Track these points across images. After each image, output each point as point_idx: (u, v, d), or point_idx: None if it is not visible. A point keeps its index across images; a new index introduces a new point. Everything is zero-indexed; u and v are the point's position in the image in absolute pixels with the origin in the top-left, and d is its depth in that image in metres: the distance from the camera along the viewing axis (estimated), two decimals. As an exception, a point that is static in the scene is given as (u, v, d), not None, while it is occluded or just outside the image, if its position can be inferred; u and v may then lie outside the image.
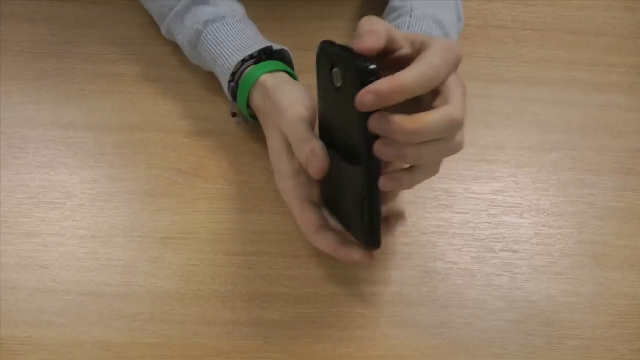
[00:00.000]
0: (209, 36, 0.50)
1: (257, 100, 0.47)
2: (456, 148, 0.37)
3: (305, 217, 0.42)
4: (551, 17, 0.61)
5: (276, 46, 0.50)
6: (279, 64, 0.49)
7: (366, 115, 0.34)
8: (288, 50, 0.51)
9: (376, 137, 0.34)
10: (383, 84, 0.32)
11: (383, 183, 0.36)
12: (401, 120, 0.32)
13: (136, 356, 0.43)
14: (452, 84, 0.35)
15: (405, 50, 0.36)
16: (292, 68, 0.51)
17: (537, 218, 0.50)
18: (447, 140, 0.35)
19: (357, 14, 0.59)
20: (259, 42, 0.50)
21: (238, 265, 0.47)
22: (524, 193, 0.52)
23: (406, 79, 0.32)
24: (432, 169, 0.39)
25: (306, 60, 0.56)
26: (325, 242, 0.42)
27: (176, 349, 0.44)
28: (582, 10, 0.62)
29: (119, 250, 0.47)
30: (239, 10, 0.53)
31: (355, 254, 0.41)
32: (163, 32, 0.55)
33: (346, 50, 0.35)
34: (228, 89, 0.50)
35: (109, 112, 0.54)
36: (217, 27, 0.50)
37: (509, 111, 0.55)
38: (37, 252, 0.47)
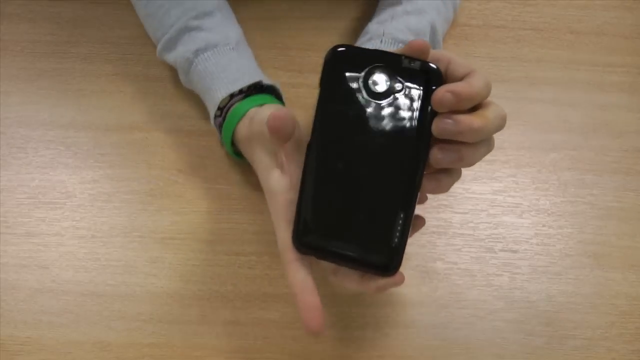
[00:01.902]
0: (199, 66, 0.48)
1: (242, 131, 0.45)
2: (492, 147, 0.36)
3: None
4: (551, 17, 0.61)
5: (267, 81, 0.48)
6: (269, 98, 0.47)
7: (427, 118, 0.33)
8: (278, 87, 0.49)
9: (428, 145, 0.33)
10: (461, 87, 0.31)
11: (425, 184, 0.34)
12: (468, 118, 0.32)
13: (136, 356, 0.43)
14: (457, 56, 0.36)
15: None
16: (283, 103, 0.49)
17: (537, 218, 0.50)
18: (490, 140, 0.35)
19: (357, 14, 0.59)
20: (250, 75, 0.48)
21: (238, 265, 0.47)
22: (524, 193, 0.52)
23: (479, 86, 0.32)
24: (460, 172, 0.37)
25: (305, 60, 0.56)
26: (349, 278, 0.37)
27: (176, 349, 0.44)
28: (582, 10, 0.62)
29: (119, 250, 0.47)
30: (234, 35, 0.50)
31: (388, 281, 0.35)
32: (157, 55, 0.52)
33: (378, 52, 0.34)
34: (215, 124, 0.48)
35: (109, 112, 0.54)
36: (207, 56, 0.48)
37: (509, 111, 0.55)
38: (37, 252, 0.47)
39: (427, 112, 0.33)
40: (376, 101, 0.33)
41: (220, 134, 0.48)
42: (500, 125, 0.34)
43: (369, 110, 0.34)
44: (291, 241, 0.35)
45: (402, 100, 0.33)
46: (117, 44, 0.57)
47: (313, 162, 0.34)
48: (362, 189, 0.34)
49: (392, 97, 0.33)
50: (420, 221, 0.40)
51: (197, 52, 0.48)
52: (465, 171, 0.53)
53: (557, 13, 0.62)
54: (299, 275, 0.35)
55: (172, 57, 0.50)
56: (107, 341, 0.44)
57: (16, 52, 0.57)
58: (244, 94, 0.47)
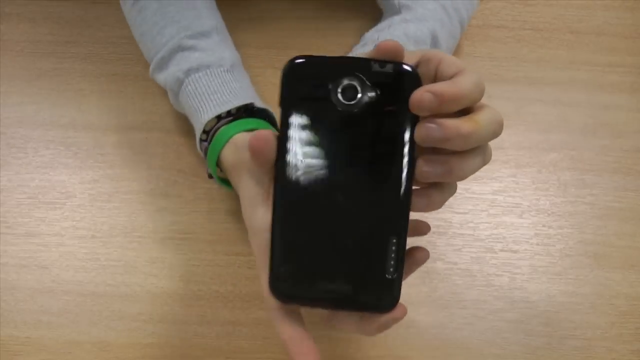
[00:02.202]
0: (189, 87, 0.45)
1: (227, 157, 0.41)
2: (488, 158, 0.32)
3: None
4: (551, 17, 0.61)
5: (260, 105, 0.45)
6: (261, 123, 0.43)
7: (409, 127, 0.29)
8: (271, 111, 0.46)
9: (413, 157, 0.29)
10: (444, 87, 0.28)
11: (414, 202, 0.30)
12: (455, 122, 0.28)
13: (136, 357, 0.43)
14: (447, 55, 0.32)
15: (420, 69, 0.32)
16: (276, 128, 0.45)
17: (537, 218, 0.50)
18: (484, 149, 0.31)
19: (357, 15, 0.59)
20: (242, 98, 0.44)
21: (238, 265, 0.47)
22: (524, 193, 0.52)
23: (466, 85, 0.28)
24: (454, 186, 0.33)
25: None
26: (346, 322, 0.32)
27: (176, 349, 0.44)
28: (582, 10, 0.62)
29: (119, 250, 0.47)
30: (229, 57, 0.47)
31: (388, 318, 0.31)
32: (150, 75, 0.49)
33: (344, 59, 0.30)
34: (200, 149, 0.45)
35: (109, 112, 0.54)
36: (199, 77, 0.45)
37: (509, 111, 0.55)
38: (37, 252, 0.47)
39: (408, 120, 0.29)
40: (348, 115, 0.29)
41: (205, 159, 0.44)
42: (495, 132, 0.30)
43: (341, 126, 0.29)
44: (269, 291, 0.30)
45: (378, 111, 0.29)
46: (117, 44, 0.57)
47: (282, 194, 0.30)
48: (343, 218, 0.30)
49: (365, 108, 0.29)
50: (425, 227, 0.36)
51: (188, 72, 0.45)
52: (465, 171, 0.53)
53: (557, 13, 0.62)
54: (286, 324, 0.31)
55: (162, 77, 0.47)
56: (107, 341, 0.44)
57: (16, 52, 0.57)
58: (232, 117, 0.43)
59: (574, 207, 0.51)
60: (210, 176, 0.46)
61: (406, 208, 0.30)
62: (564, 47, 0.60)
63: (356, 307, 0.30)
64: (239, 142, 0.40)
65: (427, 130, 0.28)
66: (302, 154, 0.29)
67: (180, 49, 0.46)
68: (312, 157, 0.29)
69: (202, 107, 0.44)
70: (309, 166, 0.30)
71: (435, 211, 0.50)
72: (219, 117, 0.43)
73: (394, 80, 0.29)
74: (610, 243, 0.50)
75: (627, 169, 0.53)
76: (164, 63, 0.47)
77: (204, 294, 0.46)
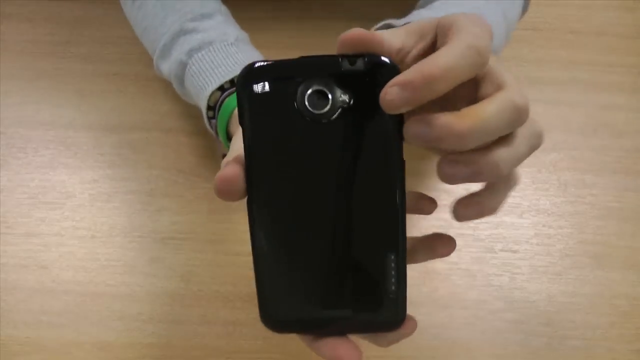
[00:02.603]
0: (193, 67, 0.42)
1: (234, 132, 0.39)
2: (537, 143, 0.26)
3: None
4: (551, 17, 0.61)
5: None
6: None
7: (393, 126, 0.25)
8: None
9: (402, 161, 0.26)
10: (411, 73, 0.23)
11: (460, 213, 0.27)
12: (448, 120, 0.23)
13: (136, 356, 0.43)
14: (497, 66, 0.25)
15: (415, 49, 0.27)
16: None
17: (537, 218, 0.50)
18: (520, 135, 0.25)
19: (358, 14, 0.59)
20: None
21: (238, 265, 0.47)
22: (524, 193, 0.52)
23: (442, 61, 0.23)
24: (513, 178, 0.27)
25: (306, 60, 0.56)
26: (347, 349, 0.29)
27: (176, 349, 0.44)
28: (582, 10, 0.62)
29: (118, 250, 0.47)
30: (233, 33, 0.44)
31: (397, 334, 0.29)
32: (155, 68, 0.47)
33: (308, 59, 0.26)
34: (210, 127, 0.43)
35: (108, 112, 0.54)
36: (202, 55, 0.42)
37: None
38: (37, 252, 0.47)
39: (390, 122, 0.25)
40: (320, 126, 0.25)
41: (218, 137, 0.42)
42: (512, 119, 0.24)
43: (315, 140, 0.26)
44: (261, 322, 0.28)
45: (354, 116, 0.25)
46: (117, 44, 0.57)
47: (261, 219, 0.27)
48: (333, 239, 0.27)
49: (339, 115, 0.25)
50: (429, 205, 0.31)
51: (190, 53, 0.43)
52: (465, 171, 0.53)
53: (557, 13, 0.62)
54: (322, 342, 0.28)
55: (167, 67, 0.45)
56: (107, 341, 0.44)
57: (16, 52, 0.57)
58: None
59: (574, 207, 0.51)
60: (224, 156, 0.45)
61: (401, 220, 0.27)
62: (564, 47, 0.60)
63: (360, 329, 0.29)
64: None
65: (414, 130, 0.24)
66: (276, 176, 0.26)
67: (182, 32, 0.44)
68: (288, 178, 0.26)
69: (206, 82, 0.42)
70: (286, 189, 0.26)
71: (436, 211, 0.50)
72: (222, 90, 0.41)
73: (369, 78, 0.25)
74: (610, 243, 0.50)
75: (627, 169, 0.53)
76: (166, 50, 0.44)
77: (204, 294, 0.46)
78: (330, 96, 0.25)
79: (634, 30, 0.61)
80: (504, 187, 0.27)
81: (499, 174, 0.25)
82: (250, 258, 0.48)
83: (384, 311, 0.28)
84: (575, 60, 0.59)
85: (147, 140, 0.53)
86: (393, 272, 0.27)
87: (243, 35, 0.46)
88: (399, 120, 0.25)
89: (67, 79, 0.56)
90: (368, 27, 0.54)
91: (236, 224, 0.49)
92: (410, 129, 0.24)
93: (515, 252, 0.49)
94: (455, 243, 0.29)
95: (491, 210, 0.27)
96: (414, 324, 0.28)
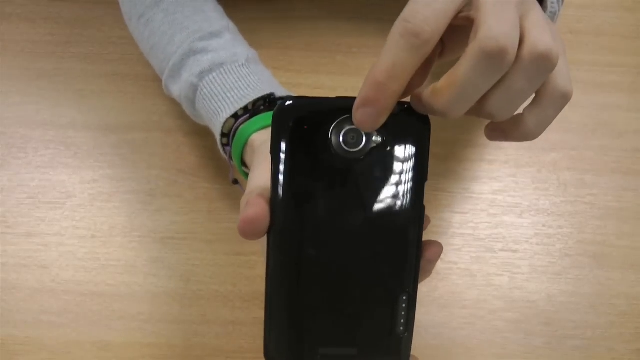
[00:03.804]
0: (205, 90, 0.42)
1: (248, 162, 0.39)
2: (541, 72, 0.24)
3: None
4: (551, 17, 0.61)
5: (282, 93, 0.41)
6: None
7: (417, 165, 0.26)
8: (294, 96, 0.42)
9: (422, 206, 0.27)
10: (364, 89, 0.23)
11: (489, 135, 0.27)
12: (428, 98, 0.24)
13: (136, 356, 0.43)
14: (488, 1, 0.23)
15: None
16: None
17: (537, 218, 0.50)
18: (519, 78, 0.24)
19: (358, 14, 0.59)
20: (260, 90, 0.41)
21: (238, 265, 0.47)
22: (524, 193, 0.52)
23: (383, 64, 0.23)
24: (557, 95, 0.26)
25: (305, 60, 0.56)
26: None
27: (176, 349, 0.44)
28: (582, 10, 0.62)
29: (119, 250, 0.47)
30: (244, 53, 0.43)
31: None
32: (164, 89, 0.47)
33: (344, 100, 0.26)
34: (223, 151, 0.42)
35: (108, 112, 0.54)
36: (213, 77, 0.41)
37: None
38: (37, 252, 0.47)
39: (414, 162, 0.26)
40: (350, 164, 0.26)
41: (232, 162, 0.41)
42: (489, 71, 0.23)
43: (342, 176, 0.26)
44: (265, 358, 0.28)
45: (383, 155, 0.26)
46: (117, 44, 0.57)
47: (279, 253, 0.27)
48: (346, 277, 0.27)
49: (368, 154, 0.26)
50: (426, 221, 0.31)
51: (201, 75, 0.42)
52: (465, 171, 0.53)
53: (557, 13, 0.62)
54: None
55: (177, 89, 0.44)
56: (107, 341, 0.44)
57: (16, 52, 0.57)
58: (249, 114, 0.40)
59: (574, 207, 0.51)
60: (235, 182, 0.44)
61: (417, 261, 0.27)
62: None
63: None
64: (256, 144, 0.37)
65: (418, 108, 0.25)
66: (300, 211, 0.27)
67: (192, 52, 0.43)
68: (310, 214, 0.27)
69: (219, 107, 0.41)
70: (307, 224, 0.27)
71: (436, 211, 0.51)
72: (236, 117, 0.40)
73: (398, 121, 0.25)
74: (610, 243, 0.50)
75: (627, 169, 0.53)
76: (176, 71, 0.44)
77: (204, 294, 0.46)
78: (364, 135, 0.26)
79: (634, 30, 0.61)
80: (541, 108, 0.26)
81: (503, 118, 0.25)
82: (250, 258, 0.49)
83: (389, 352, 0.28)
84: (575, 60, 0.59)
85: (147, 140, 0.53)
86: (403, 314, 0.27)
87: (252, 53, 0.45)
88: (425, 161, 0.26)
89: (67, 79, 0.56)
90: (368, 27, 0.54)
91: (236, 224, 0.48)
92: (414, 105, 0.25)
93: (515, 252, 0.49)
94: (441, 247, 0.29)
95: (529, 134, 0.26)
96: None
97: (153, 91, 0.55)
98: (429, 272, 0.29)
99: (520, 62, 0.23)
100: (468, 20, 0.24)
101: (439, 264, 0.48)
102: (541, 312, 0.46)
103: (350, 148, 0.26)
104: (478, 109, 0.25)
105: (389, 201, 0.26)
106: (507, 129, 0.27)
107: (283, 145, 0.26)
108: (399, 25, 0.23)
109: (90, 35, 0.58)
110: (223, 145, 0.42)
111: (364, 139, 0.26)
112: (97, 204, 0.49)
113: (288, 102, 0.26)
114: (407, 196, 0.27)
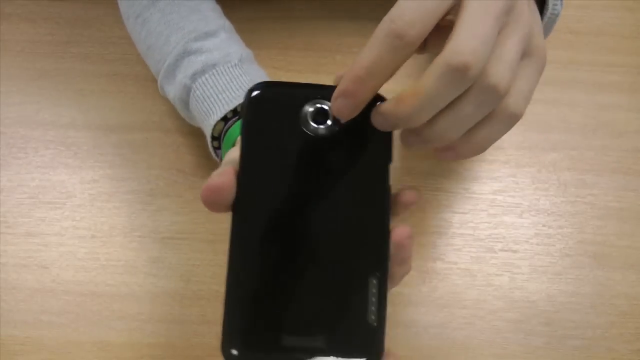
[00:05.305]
0: (197, 91, 0.42)
1: None
2: (489, 98, 0.24)
3: None
4: (551, 17, 0.61)
5: None
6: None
7: (383, 146, 0.27)
8: None
9: (387, 181, 0.27)
10: (345, 81, 0.24)
11: (438, 155, 0.27)
12: (391, 107, 0.25)
13: (136, 356, 0.43)
14: (471, 6, 0.23)
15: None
16: None
17: (537, 218, 0.50)
18: (470, 95, 0.24)
19: (358, 14, 0.59)
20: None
21: (238, 265, 0.47)
22: (524, 193, 0.52)
23: (364, 60, 0.24)
24: (503, 120, 0.27)
25: (305, 60, 0.56)
26: None
27: (176, 349, 0.44)
28: (582, 10, 0.62)
29: (119, 250, 0.47)
30: (237, 53, 0.43)
31: None
32: (160, 90, 0.47)
33: (312, 85, 0.27)
34: (215, 154, 0.43)
35: (109, 112, 0.54)
36: (205, 79, 0.41)
37: (509, 111, 0.55)
38: (37, 252, 0.47)
39: (380, 143, 0.27)
40: (317, 141, 0.27)
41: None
42: (453, 84, 0.23)
43: (309, 154, 0.27)
44: (221, 352, 0.25)
45: (349, 136, 0.27)
46: (117, 44, 0.57)
47: (241, 237, 0.27)
48: (313, 259, 0.26)
49: (336, 133, 0.27)
50: (410, 196, 0.28)
51: (194, 77, 0.42)
52: (465, 171, 0.53)
53: (557, 13, 0.62)
54: None
55: (172, 90, 0.44)
56: (107, 341, 0.44)
57: (16, 52, 0.57)
58: (238, 115, 0.40)
59: (574, 207, 0.51)
60: None
61: (384, 242, 0.26)
62: (564, 47, 0.60)
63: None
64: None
65: (375, 121, 0.26)
66: (266, 186, 0.26)
67: (187, 53, 0.43)
68: (276, 192, 0.26)
69: (210, 110, 0.41)
70: (273, 202, 0.26)
71: (436, 211, 0.51)
72: (226, 120, 0.40)
73: (368, 105, 0.26)
74: (610, 243, 0.50)
75: (627, 169, 0.53)
76: (170, 72, 0.44)
77: (204, 293, 0.46)
78: (330, 114, 0.26)
79: (634, 30, 0.61)
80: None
81: (448, 140, 0.26)
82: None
83: (361, 342, 0.25)
84: (575, 60, 0.59)
85: (147, 140, 0.53)
86: (374, 299, 0.26)
87: (247, 53, 0.45)
88: (389, 141, 0.27)
89: (67, 79, 0.56)
90: (368, 27, 0.54)
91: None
92: (373, 120, 0.25)
93: (515, 252, 0.49)
94: (409, 230, 0.27)
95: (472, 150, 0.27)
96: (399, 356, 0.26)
97: (153, 91, 0.55)
98: (406, 264, 0.27)
99: (471, 88, 0.24)
100: (451, 23, 0.24)
101: (439, 264, 0.48)
102: (541, 312, 0.46)
103: (318, 126, 0.27)
104: (427, 132, 0.25)
105: (354, 180, 0.27)
106: (458, 145, 0.27)
107: (253, 123, 0.27)
108: (384, 24, 0.23)
109: (90, 35, 0.58)
110: (214, 148, 0.42)
111: (330, 117, 0.27)
112: (97, 204, 0.49)
113: (260, 84, 0.27)
114: (372, 176, 0.27)
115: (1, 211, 0.49)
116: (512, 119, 0.27)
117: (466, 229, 0.50)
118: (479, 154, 0.27)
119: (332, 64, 0.56)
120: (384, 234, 0.26)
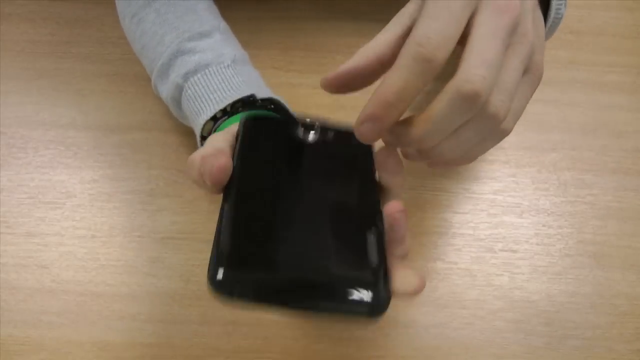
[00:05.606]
0: (189, 91, 0.42)
1: None
2: (465, 105, 0.25)
3: None
4: (551, 17, 0.61)
5: (264, 95, 0.41)
6: (261, 113, 0.40)
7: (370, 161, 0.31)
8: (276, 98, 0.42)
9: (373, 173, 0.30)
10: (372, 105, 0.25)
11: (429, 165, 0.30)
12: (404, 130, 0.26)
13: (136, 356, 0.43)
14: (480, 28, 0.24)
15: None
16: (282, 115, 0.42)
17: (537, 218, 0.50)
18: (480, 117, 0.25)
19: (358, 14, 0.59)
20: (243, 91, 0.41)
21: (238, 265, 0.47)
22: (524, 193, 0.52)
23: (394, 85, 0.24)
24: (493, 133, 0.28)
25: (305, 60, 0.56)
26: None
27: (176, 349, 0.44)
28: (582, 10, 0.62)
29: (118, 250, 0.47)
30: (230, 54, 0.43)
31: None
32: (153, 89, 0.47)
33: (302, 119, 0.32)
34: None
35: (109, 112, 0.54)
36: (197, 79, 0.42)
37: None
38: (37, 252, 0.47)
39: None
40: (308, 147, 0.31)
41: None
42: (462, 109, 0.24)
43: (301, 156, 0.31)
44: (208, 282, 0.23)
45: (334, 144, 0.31)
46: (117, 44, 0.57)
47: (238, 184, 0.28)
48: (309, 209, 0.27)
49: (324, 141, 0.31)
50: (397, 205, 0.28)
51: (186, 76, 0.42)
52: (465, 171, 0.53)
53: (557, 13, 0.62)
54: None
55: (165, 89, 0.44)
56: (106, 341, 0.44)
57: (16, 52, 0.57)
58: (228, 115, 0.40)
59: (574, 207, 0.51)
60: None
61: (378, 209, 0.28)
62: (564, 47, 0.60)
63: (332, 306, 0.23)
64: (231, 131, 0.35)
65: (387, 139, 0.28)
66: (258, 174, 0.29)
67: (180, 53, 0.43)
68: (269, 178, 0.29)
69: (200, 109, 0.41)
70: (266, 181, 0.28)
71: (436, 211, 0.51)
72: (215, 120, 0.40)
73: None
74: (610, 243, 0.50)
75: (627, 169, 0.53)
76: (164, 71, 0.44)
77: (204, 294, 0.46)
78: (317, 126, 0.32)
79: (634, 30, 0.61)
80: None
81: (447, 159, 0.28)
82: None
83: (365, 287, 0.23)
84: (575, 60, 0.59)
85: (147, 140, 0.53)
86: (374, 253, 0.25)
87: (241, 54, 0.45)
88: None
89: (67, 79, 0.56)
90: (368, 27, 0.54)
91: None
92: (384, 139, 0.27)
93: (515, 252, 0.49)
94: (399, 204, 0.28)
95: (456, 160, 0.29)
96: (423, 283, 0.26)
97: (153, 91, 0.55)
98: (402, 244, 0.27)
99: (473, 115, 0.25)
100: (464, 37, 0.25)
101: (439, 264, 0.48)
102: (541, 312, 0.46)
103: (306, 136, 0.31)
104: (429, 151, 0.27)
105: (343, 171, 0.30)
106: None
107: (246, 137, 0.31)
108: (412, 49, 0.24)
109: (90, 35, 0.58)
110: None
111: (318, 127, 0.32)
112: (97, 204, 0.49)
113: (255, 119, 0.32)
114: (358, 165, 0.30)
115: (1, 211, 0.49)
116: (502, 135, 0.28)
117: (466, 229, 0.50)
118: (468, 164, 0.30)
119: (332, 64, 0.56)
120: (375, 208, 0.28)
